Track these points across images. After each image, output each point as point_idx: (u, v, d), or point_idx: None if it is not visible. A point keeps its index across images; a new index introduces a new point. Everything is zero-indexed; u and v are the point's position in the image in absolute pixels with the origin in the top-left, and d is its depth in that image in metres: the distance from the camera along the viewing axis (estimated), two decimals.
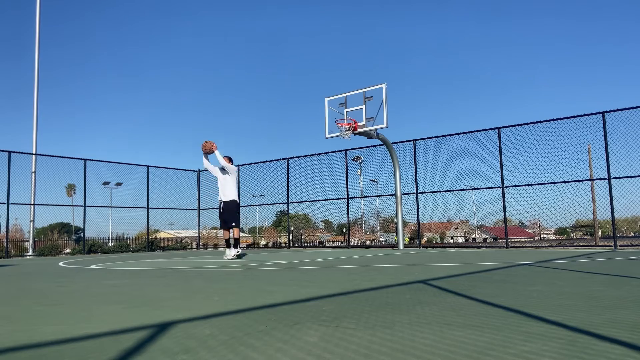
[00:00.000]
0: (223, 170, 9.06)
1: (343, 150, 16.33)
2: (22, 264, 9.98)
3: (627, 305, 2.48)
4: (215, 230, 32.27)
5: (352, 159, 16.70)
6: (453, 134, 14.29)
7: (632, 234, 20.73)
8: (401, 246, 13.79)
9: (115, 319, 2.42)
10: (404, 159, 14.64)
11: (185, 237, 26.10)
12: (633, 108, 11.60)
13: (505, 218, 13.35)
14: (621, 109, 11.70)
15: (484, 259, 7.15)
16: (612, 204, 11.64)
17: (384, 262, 7.05)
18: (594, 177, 12.48)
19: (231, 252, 9.10)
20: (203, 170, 20.12)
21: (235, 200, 9.17)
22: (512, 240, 14.34)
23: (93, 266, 7.92)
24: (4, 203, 14.20)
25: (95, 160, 16.66)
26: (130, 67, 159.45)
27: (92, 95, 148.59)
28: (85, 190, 16.14)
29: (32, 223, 15.87)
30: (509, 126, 13.26)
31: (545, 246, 14.20)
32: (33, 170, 15.71)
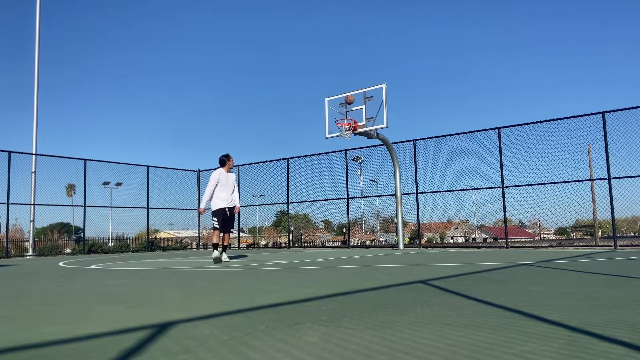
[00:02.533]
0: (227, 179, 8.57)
1: (343, 150, 16.33)
2: (22, 264, 9.98)
3: (627, 305, 2.48)
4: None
5: (352, 159, 16.70)
6: (453, 134, 14.29)
7: (632, 234, 20.72)
8: (401, 246, 13.79)
9: (115, 319, 2.42)
10: (404, 159, 14.65)
11: (185, 237, 26.09)
12: (633, 108, 11.60)
13: (505, 218, 13.34)
14: (621, 109, 11.70)
15: (483, 259, 7.15)
16: (612, 204, 11.64)
17: (384, 262, 7.05)
18: (594, 177, 12.48)
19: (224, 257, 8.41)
20: (203, 171, 20.13)
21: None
22: (512, 240, 14.33)
23: (93, 266, 7.92)
24: (4, 203, 14.20)
25: (95, 160, 16.68)
26: (131, 68, 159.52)
27: (92, 95, 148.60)
28: (85, 190, 16.14)
29: (32, 223, 15.87)
30: (509, 126, 13.26)
31: (545, 246, 14.20)
32: (33, 170, 15.71)
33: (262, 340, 1.83)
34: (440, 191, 14.37)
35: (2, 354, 1.74)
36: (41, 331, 2.16)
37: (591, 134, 12.06)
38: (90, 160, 16.40)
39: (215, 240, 8.29)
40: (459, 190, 14.25)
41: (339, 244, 27.88)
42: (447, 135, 14.38)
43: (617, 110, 11.74)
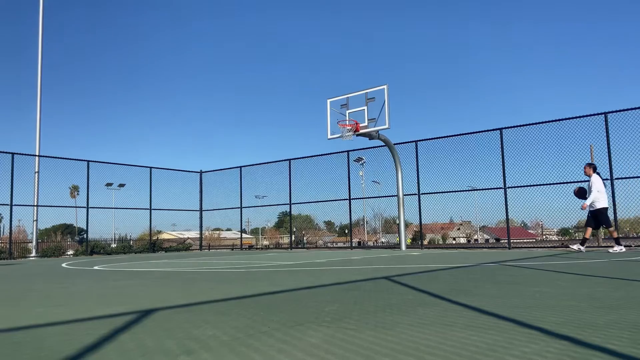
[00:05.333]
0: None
1: (345, 152, 16.33)
2: (26, 265, 10.01)
3: (630, 306, 2.48)
4: (217, 232, 32.24)
5: (354, 160, 16.69)
6: (455, 135, 14.28)
7: (634, 235, 20.64)
8: (403, 247, 13.78)
9: (116, 320, 2.42)
10: (406, 160, 14.64)
11: (188, 238, 26.12)
12: (635, 109, 11.57)
13: (507, 219, 13.33)
14: (623, 110, 11.68)
15: (486, 260, 7.14)
16: (614, 205, 11.61)
17: (386, 263, 7.04)
18: None
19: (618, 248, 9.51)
20: (205, 172, 20.14)
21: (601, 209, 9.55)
22: (515, 241, 14.29)
23: (96, 267, 7.93)
24: (7, 204, 14.24)
25: (98, 161, 16.72)
26: (134, 69, 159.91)
27: (94, 95, 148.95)
28: (88, 191, 16.18)
29: (35, 223, 15.91)
30: (511, 127, 13.25)
31: (548, 247, 14.16)
32: (36, 171, 15.75)
33: (264, 341, 1.83)
34: (442, 192, 14.36)
35: (5, 355, 1.75)
36: (42, 331, 2.17)
37: (593, 135, 12.05)
38: (93, 161, 16.45)
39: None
40: (461, 191, 14.23)
41: (341, 244, 27.90)
42: (449, 136, 14.39)
43: (620, 110, 11.72)
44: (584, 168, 9.83)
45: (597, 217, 9.55)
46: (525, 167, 13.12)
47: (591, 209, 9.56)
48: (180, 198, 19.43)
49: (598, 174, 9.66)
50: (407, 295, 3.15)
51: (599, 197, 9.47)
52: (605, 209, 9.53)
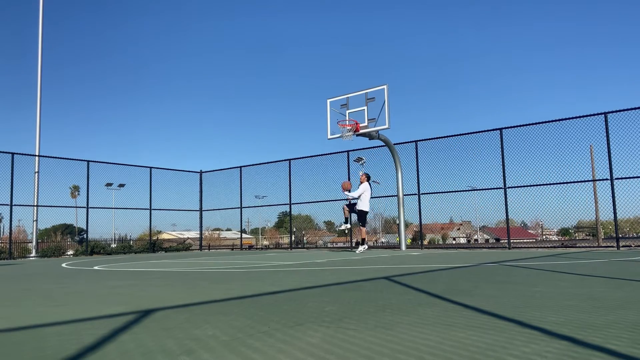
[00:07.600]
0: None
1: (345, 152, 16.34)
2: (26, 265, 10.01)
3: (630, 306, 2.48)
4: (217, 232, 32.23)
5: (354, 160, 16.69)
6: (455, 135, 14.28)
7: (634, 235, 20.64)
8: (403, 247, 13.78)
9: (116, 320, 2.42)
10: (406, 160, 14.64)
11: (188, 238, 26.12)
12: (635, 109, 11.57)
13: (507, 219, 13.33)
14: (623, 110, 11.68)
15: (486, 260, 7.14)
16: (614, 205, 11.61)
17: (385, 263, 7.04)
18: (597, 178, 12.44)
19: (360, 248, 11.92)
20: (205, 172, 20.15)
21: (361, 210, 11.84)
22: (514, 241, 14.28)
23: (96, 267, 7.94)
24: (7, 204, 14.25)
25: (98, 161, 16.72)
26: (134, 68, 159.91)
27: (95, 96, 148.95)
28: (88, 191, 16.18)
29: (35, 223, 15.92)
30: (510, 127, 13.25)
31: (548, 247, 14.16)
32: (36, 171, 15.76)
33: (264, 341, 1.84)
34: (442, 192, 14.37)
35: (6, 355, 1.75)
36: (43, 331, 2.17)
37: (593, 135, 12.06)
38: (93, 161, 16.45)
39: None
40: (461, 191, 14.24)
41: (341, 244, 27.89)
42: (449, 136, 14.39)
43: (620, 110, 11.72)
44: (361, 176, 12.30)
45: (359, 216, 12.07)
46: (525, 167, 13.13)
47: (357, 208, 12.03)
48: (180, 198, 19.45)
49: (368, 182, 12.17)
50: (407, 295, 3.16)
51: (362, 199, 11.94)
52: (364, 212, 12.05)
